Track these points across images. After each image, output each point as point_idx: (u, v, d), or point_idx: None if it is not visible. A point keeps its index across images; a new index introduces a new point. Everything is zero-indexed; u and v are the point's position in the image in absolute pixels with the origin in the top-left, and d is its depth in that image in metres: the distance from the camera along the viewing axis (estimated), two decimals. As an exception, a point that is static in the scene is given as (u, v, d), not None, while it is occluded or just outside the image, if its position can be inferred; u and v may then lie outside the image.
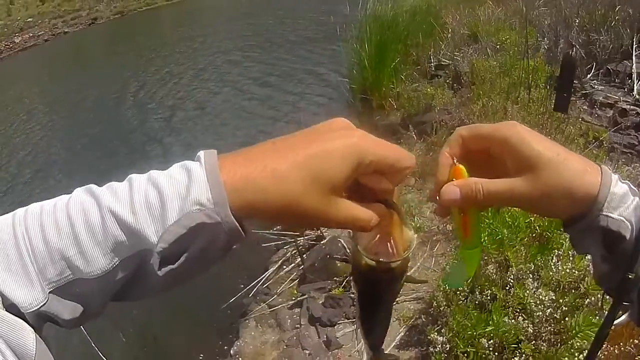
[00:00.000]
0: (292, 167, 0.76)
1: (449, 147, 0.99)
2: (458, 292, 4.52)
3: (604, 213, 0.89)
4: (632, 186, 0.94)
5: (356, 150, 0.79)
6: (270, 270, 7.79)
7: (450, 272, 1.19)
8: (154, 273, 0.75)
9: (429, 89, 9.03)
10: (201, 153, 0.77)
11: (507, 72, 7.49)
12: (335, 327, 6.02)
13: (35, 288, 0.73)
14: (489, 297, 4.24)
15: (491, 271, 4.47)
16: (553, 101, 5.01)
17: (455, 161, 0.97)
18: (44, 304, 0.73)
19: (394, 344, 5.26)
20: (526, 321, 3.57)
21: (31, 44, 48.81)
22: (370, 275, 0.90)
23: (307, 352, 5.89)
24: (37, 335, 0.72)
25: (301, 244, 7.59)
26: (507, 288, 4.15)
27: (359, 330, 1.32)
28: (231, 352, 6.63)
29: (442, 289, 4.75)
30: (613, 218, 0.90)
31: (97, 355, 6.84)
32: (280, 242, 8.00)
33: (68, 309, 0.77)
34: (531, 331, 3.51)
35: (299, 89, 14.12)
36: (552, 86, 6.68)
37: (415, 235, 0.91)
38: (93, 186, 0.79)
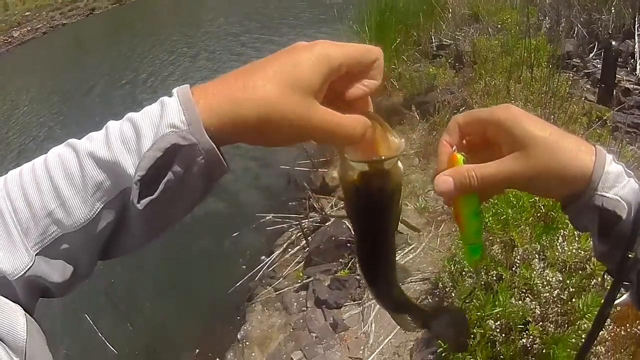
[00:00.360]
0: (264, 78, 0.75)
1: (447, 135, 1.01)
2: (464, 273, 4.52)
3: (598, 193, 0.90)
4: (626, 168, 0.95)
5: (323, 56, 0.78)
6: (276, 253, 7.81)
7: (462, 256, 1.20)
8: (136, 213, 0.74)
9: (430, 69, 9.00)
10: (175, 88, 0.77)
11: (508, 52, 7.45)
12: (342, 309, 6.05)
13: (19, 250, 0.72)
14: (494, 278, 4.25)
15: (496, 251, 4.47)
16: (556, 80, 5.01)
17: (453, 149, 0.99)
18: (30, 266, 0.72)
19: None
20: (533, 302, 3.57)
21: (30, 38, 48.60)
22: (364, 187, 0.88)
23: (314, 334, 5.92)
24: (29, 317, 0.72)
25: (306, 226, 7.60)
26: (512, 269, 4.16)
27: (361, 273, 1.27)
28: (238, 336, 6.66)
29: (447, 269, 4.75)
30: (608, 197, 0.90)
31: (103, 343, 6.92)
32: (285, 225, 8.04)
33: (57, 270, 0.76)
34: (538, 312, 3.52)
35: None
36: (554, 65, 6.66)
37: (404, 141, 0.90)
38: (71, 139, 0.79)
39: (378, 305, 5.55)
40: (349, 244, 6.61)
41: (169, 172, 0.73)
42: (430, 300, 5.15)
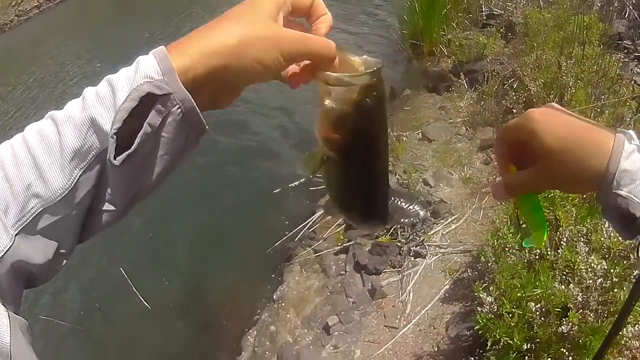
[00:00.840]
0: (230, 18, 0.81)
1: (496, 147, 1.19)
2: (507, 249, 4.47)
3: (613, 191, 0.96)
4: None
5: None
6: (317, 214, 7.70)
7: (527, 240, 1.26)
8: (113, 173, 0.74)
9: (481, 38, 8.78)
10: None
11: (560, 26, 7.20)
12: (381, 275, 6.03)
13: None
14: (537, 257, 4.18)
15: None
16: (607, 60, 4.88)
17: (510, 161, 1.15)
18: (9, 247, 0.71)
19: (438, 296, 5.31)
20: (576, 288, 3.50)
21: None
22: (348, 109, 0.90)
23: (351, 300, 5.93)
24: (12, 315, 0.70)
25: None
26: (556, 249, 4.08)
27: (345, 212, 1.17)
28: (274, 296, 6.72)
29: (490, 244, 4.69)
30: (622, 196, 0.95)
31: (136, 296, 7.06)
32: (327, 188, 7.96)
33: (40, 250, 0.75)
34: (580, 299, 3.45)
35: (350, 29, 13.85)
36: (605, 45, 6.43)
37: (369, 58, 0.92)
38: (51, 111, 0.78)
39: (417, 274, 5.57)
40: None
41: (145, 124, 0.73)
42: (470, 273, 5.11)
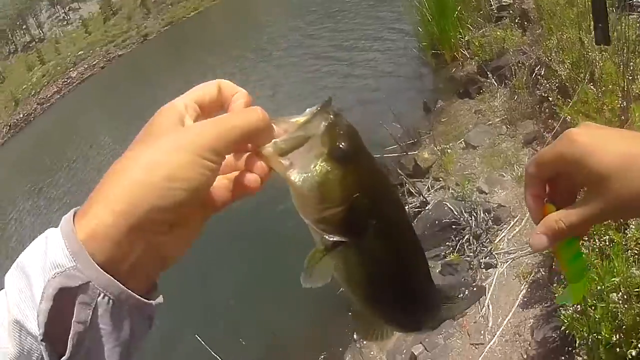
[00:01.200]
0: (128, 153, 0.69)
1: (527, 188, 0.98)
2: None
3: None
4: None
5: (168, 108, 0.75)
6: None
7: (561, 295, 1.13)
8: None
9: (497, 32, 8.76)
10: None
11: (572, 2, 7.08)
12: (456, 294, 5.87)
13: None
14: (607, 242, 4.05)
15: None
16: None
17: (545, 200, 0.97)
18: None
19: (517, 303, 5.16)
20: (652, 268, 3.37)
21: (88, 75, 50.84)
22: (326, 166, 0.72)
23: (432, 325, 5.80)
24: None
25: (411, 205, 7.47)
26: (624, 231, 3.95)
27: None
28: (354, 336, 6.58)
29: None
30: None
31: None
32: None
33: None
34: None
35: (369, 58, 13.96)
36: (617, 9, 6.27)
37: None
38: None
39: (492, 286, 5.45)
40: (453, 226, 6.45)
41: (74, 323, 0.61)
42: (544, 272, 4.97)
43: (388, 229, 0.78)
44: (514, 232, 5.87)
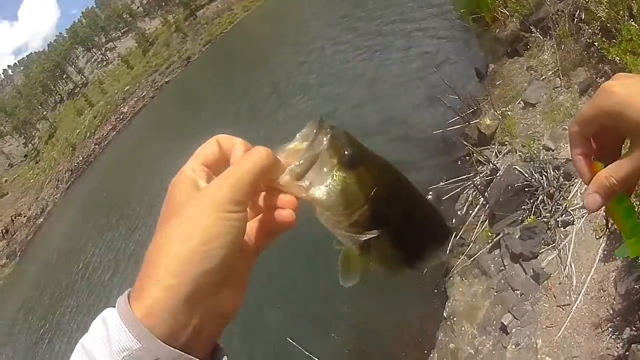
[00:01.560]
0: (158, 233, 0.70)
1: (573, 148, 0.96)
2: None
3: None
4: None
5: (182, 177, 0.76)
6: (458, 219, 7.67)
7: (620, 249, 1.11)
8: None
9: (532, -17, 8.46)
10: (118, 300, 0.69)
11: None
12: (538, 257, 5.82)
13: None
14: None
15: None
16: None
17: (592, 158, 0.95)
18: None
19: (598, 257, 5.04)
20: None
21: (140, 107, 51.79)
22: (341, 175, 0.77)
23: (518, 292, 5.76)
24: None
25: (478, 182, 7.39)
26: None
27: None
28: (444, 314, 6.66)
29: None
30: None
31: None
32: (459, 189, 7.88)
33: None
34: None
35: (412, 36, 13.81)
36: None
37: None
38: None
39: (572, 243, 5.33)
40: (526, 189, 6.34)
41: None
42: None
43: (406, 206, 0.85)
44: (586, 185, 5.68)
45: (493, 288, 6.23)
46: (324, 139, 0.77)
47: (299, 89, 19.23)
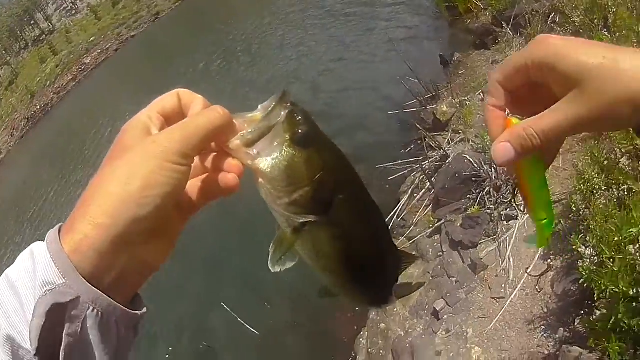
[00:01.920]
0: (102, 168, 0.72)
1: (490, 98, 0.85)
2: (594, 192, 4.29)
3: None
4: None
5: (134, 122, 0.77)
6: (402, 201, 7.72)
7: (530, 236, 1.00)
8: None
9: (511, -20, 8.54)
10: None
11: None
12: (478, 247, 5.90)
13: None
14: (625, 192, 4.01)
15: (624, 164, 4.21)
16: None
17: (506, 113, 0.85)
18: None
19: (537, 255, 5.16)
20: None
21: (102, 59, 50.58)
22: (291, 150, 0.76)
23: (454, 279, 5.87)
24: None
25: (427, 167, 7.45)
26: (642, 180, 3.91)
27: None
28: (378, 294, 6.65)
29: (577, 189, 4.51)
30: None
31: (245, 329, 7.20)
32: (406, 171, 7.93)
33: None
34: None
35: (383, 14, 13.80)
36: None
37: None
38: None
39: (513, 238, 5.43)
40: (474, 179, 6.41)
41: (64, 336, 0.64)
42: (563, 224, 4.92)
43: (351, 201, 0.82)
44: (534, 182, 5.78)
45: (429, 272, 6.32)
46: (282, 112, 0.76)
47: (269, 50, 19.04)
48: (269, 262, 0.82)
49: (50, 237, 0.67)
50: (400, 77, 8.58)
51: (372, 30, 13.67)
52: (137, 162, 0.69)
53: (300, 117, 0.77)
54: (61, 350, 0.64)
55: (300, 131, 0.76)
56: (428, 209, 7.15)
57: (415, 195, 7.60)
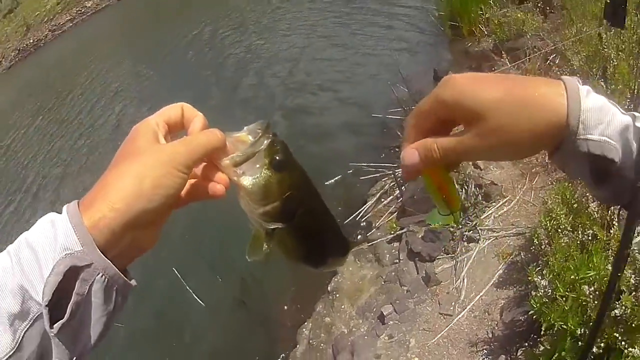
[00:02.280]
0: (117, 165, 0.88)
1: (405, 141, 0.97)
2: (559, 230, 4.38)
3: (581, 137, 0.81)
4: (608, 100, 0.84)
5: (145, 125, 0.94)
6: (369, 203, 7.79)
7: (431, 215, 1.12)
8: (54, 341, 0.77)
9: (518, 14, 8.66)
10: (65, 207, 0.84)
11: (598, -4, 7.03)
12: (435, 262, 5.99)
13: None
14: (589, 237, 4.10)
15: (593, 209, 4.30)
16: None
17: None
18: None
19: (492, 281, 5.25)
20: (629, 270, 3.39)
21: (104, 5, 49.37)
22: (269, 173, 0.96)
23: (405, 288, 5.94)
24: None
25: (399, 175, 7.49)
26: (608, 230, 3.99)
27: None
28: (329, 288, 6.79)
29: (543, 225, 4.60)
30: (594, 140, 0.81)
31: (193, 299, 7.20)
32: (378, 175, 7.98)
33: None
34: (633, 282, 3.35)
35: (385, 21, 13.74)
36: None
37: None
38: None
39: (471, 260, 5.52)
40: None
41: (74, 294, 0.78)
42: (523, 256, 5.04)
43: (310, 212, 1.03)
44: (502, 211, 5.92)
45: (382, 277, 6.40)
46: (265, 142, 0.96)
47: (266, 31, 18.80)
48: (246, 253, 1.05)
49: (71, 210, 0.82)
50: (391, 83, 8.59)
51: (371, 35, 13.55)
52: (150, 165, 0.86)
53: (278, 147, 0.97)
54: (69, 305, 0.77)
55: (277, 158, 0.97)
56: (392, 216, 7.22)
57: (383, 200, 7.67)
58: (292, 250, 1.07)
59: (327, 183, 8.47)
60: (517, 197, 5.94)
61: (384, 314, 5.74)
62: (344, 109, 10.99)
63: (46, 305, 0.75)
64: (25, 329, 0.77)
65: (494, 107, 0.83)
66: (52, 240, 0.79)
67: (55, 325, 0.75)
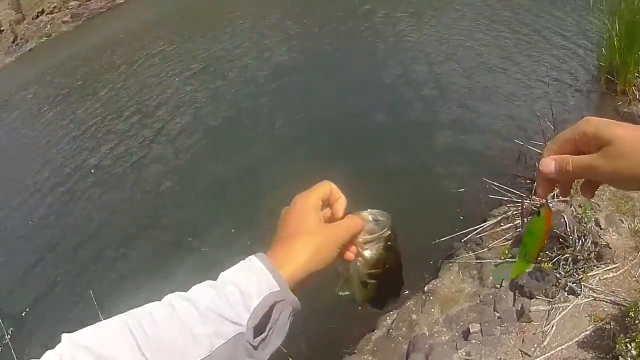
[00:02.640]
0: (297, 236, 1.20)
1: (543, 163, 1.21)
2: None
3: None
4: None
5: (314, 201, 1.26)
6: (488, 222, 7.96)
7: (499, 267, 1.83)
8: (251, 350, 1.05)
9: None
10: (257, 255, 1.15)
11: None
12: (532, 300, 6.19)
13: None
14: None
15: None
16: None
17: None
18: None
19: (577, 338, 5.45)
20: None
21: None
22: (383, 253, 1.31)
23: (497, 314, 6.21)
24: None
25: (525, 206, 7.62)
26: None
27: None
28: (425, 288, 7.13)
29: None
30: None
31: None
32: (505, 199, 8.10)
33: None
34: None
35: (544, 57, 13.18)
36: None
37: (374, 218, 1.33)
38: (176, 300, 1.07)
39: (566, 310, 5.69)
40: (560, 240, 6.64)
41: (272, 318, 1.08)
42: (613, 326, 5.21)
43: (392, 278, 1.39)
44: (608, 276, 6.04)
45: (479, 296, 6.70)
46: (388, 232, 1.30)
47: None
48: (336, 289, 1.39)
49: (266, 263, 1.12)
50: (540, 115, 8.55)
51: (528, 63, 13.30)
52: (323, 243, 1.18)
53: (392, 237, 1.31)
54: (268, 326, 1.07)
55: (389, 243, 1.31)
56: (507, 242, 7.37)
57: (502, 224, 7.81)
58: (374, 296, 1.39)
59: (454, 190, 8.82)
60: (625, 268, 6.05)
61: (470, 330, 6.03)
62: (484, 130, 11.14)
63: (252, 327, 1.04)
64: (220, 344, 1.02)
65: (621, 137, 1.02)
66: (256, 282, 1.07)
67: (256, 339, 1.04)
